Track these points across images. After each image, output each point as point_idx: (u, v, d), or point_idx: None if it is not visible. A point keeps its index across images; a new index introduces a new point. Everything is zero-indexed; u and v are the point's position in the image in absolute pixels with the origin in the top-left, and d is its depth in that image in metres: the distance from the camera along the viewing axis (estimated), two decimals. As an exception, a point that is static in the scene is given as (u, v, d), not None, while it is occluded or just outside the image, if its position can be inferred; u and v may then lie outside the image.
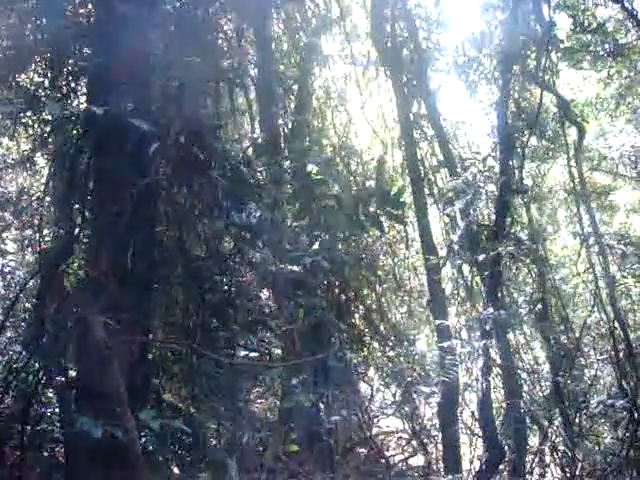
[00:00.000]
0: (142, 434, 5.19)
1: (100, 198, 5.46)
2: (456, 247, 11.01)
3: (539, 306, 13.02)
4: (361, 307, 15.33)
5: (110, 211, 5.15)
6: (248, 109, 14.55)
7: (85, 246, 5.69)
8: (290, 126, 15.16)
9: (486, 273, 10.18)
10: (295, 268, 12.34)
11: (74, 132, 5.86)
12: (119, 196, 5.09)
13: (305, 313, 12.92)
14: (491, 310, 9.62)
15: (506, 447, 12.31)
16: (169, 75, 5.45)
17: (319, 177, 7.34)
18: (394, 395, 14.68)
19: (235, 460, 5.89)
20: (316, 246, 12.27)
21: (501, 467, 12.13)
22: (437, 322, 12.09)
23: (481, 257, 9.65)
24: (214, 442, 6.60)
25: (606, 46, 13.17)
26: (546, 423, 12.34)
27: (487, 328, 9.62)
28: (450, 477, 9.86)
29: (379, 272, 15.34)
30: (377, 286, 15.08)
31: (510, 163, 10.09)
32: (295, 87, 15.49)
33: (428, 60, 13.88)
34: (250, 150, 6.58)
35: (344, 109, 16.11)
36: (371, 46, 15.03)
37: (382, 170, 14.43)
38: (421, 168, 13.74)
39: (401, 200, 7.62)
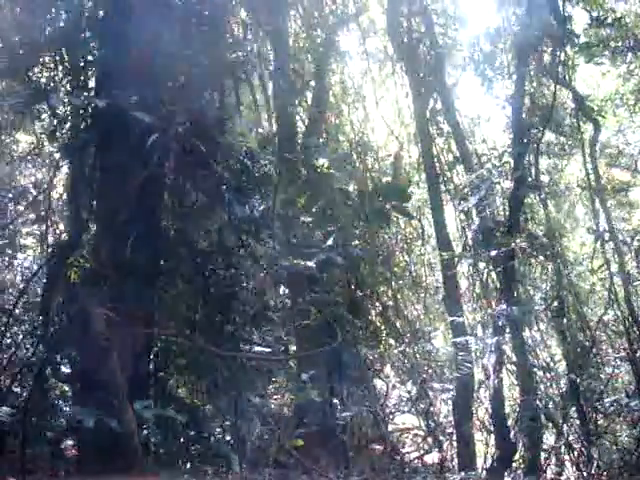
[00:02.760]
0: (145, 427, 5.21)
1: (105, 191, 5.47)
2: (471, 243, 10.91)
3: (555, 303, 12.90)
4: (377, 304, 15.29)
5: (114, 204, 5.16)
6: (254, 104, 14.55)
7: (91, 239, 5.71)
8: (307, 122, 15.16)
9: (500, 269, 10.08)
10: (309, 264, 12.39)
11: (82, 125, 5.88)
12: (122, 189, 5.10)
13: (319, 309, 12.94)
14: (504, 306, 9.52)
15: (520, 444, 12.24)
16: (174, 68, 5.44)
17: (328, 171, 7.32)
18: (409, 392, 14.63)
19: (241, 454, 5.88)
20: (330, 242, 12.31)
21: (515, 465, 12.05)
22: (451, 319, 12.05)
23: (494, 253, 9.56)
24: (219, 436, 6.59)
25: (625, 41, 13.00)
26: (561, 421, 12.21)
27: (500, 324, 9.52)
28: (462, 474, 9.77)
29: (395, 269, 15.29)
30: (393, 282, 15.01)
31: (525, 158, 9.98)
32: (312, 83, 15.49)
33: (444, 56, 13.79)
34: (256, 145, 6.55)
35: (361, 105, 16.06)
36: (387, 42, 14.96)
37: (398, 166, 14.34)
38: (437, 164, 13.69)
39: (407, 193, 7.62)
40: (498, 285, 12.30)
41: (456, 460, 12.94)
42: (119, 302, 5.10)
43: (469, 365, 11.25)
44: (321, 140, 14.60)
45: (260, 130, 8.59)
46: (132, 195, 4.85)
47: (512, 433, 12.47)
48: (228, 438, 6.62)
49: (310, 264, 12.64)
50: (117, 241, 5.12)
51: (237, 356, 6.10)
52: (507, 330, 10.59)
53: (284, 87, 14.30)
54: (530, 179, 9.97)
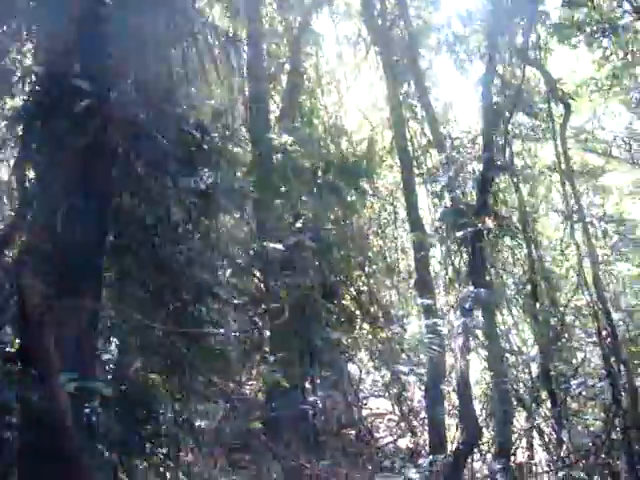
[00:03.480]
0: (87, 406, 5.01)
1: (46, 163, 5.24)
2: (437, 224, 10.75)
3: (528, 287, 12.79)
4: (351, 288, 15.12)
5: (53, 176, 4.93)
6: (201, 73, 14.22)
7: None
8: (281, 105, 14.96)
9: (469, 251, 9.90)
10: (278, 246, 12.20)
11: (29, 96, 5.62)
12: (62, 160, 4.87)
13: (290, 292, 12.75)
14: (472, 288, 9.35)
15: (490, 427, 12.13)
16: (121, 36, 5.19)
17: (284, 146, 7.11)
18: (382, 377, 14.49)
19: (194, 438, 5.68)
20: (299, 224, 12.13)
21: (485, 448, 11.94)
22: (422, 302, 11.89)
23: (459, 234, 9.38)
24: (170, 417, 6.38)
25: (600, 25, 12.84)
26: (532, 404, 12.11)
27: (467, 306, 9.35)
28: (430, 458, 9.61)
29: (369, 254, 15.13)
30: (366, 267, 14.84)
31: (494, 139, 9.81)
32: (287, 66, 15.29)
33: (418, 39, 13.59)
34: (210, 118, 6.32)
35: (335, 89, 15.85)
36: (362, 25, 14.74)
37: (372, 150, 14.16)
38: (410, 148, 13.51)
39: (362, 169, 7.45)
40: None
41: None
42: (60, 277, 4.88)
43: (439, 349, 11.11)
44: (295, 123, 14.41)
45: (213, 103, 8.31)
46: (69, 166, 4.62)
47: (482, 416, 12.39)
48: (181, 420, 6.40)
49: (279, 246, 12.51)
50: (54, 215, 4.88)
51: (182, 331, 5.86)
52: (477, 313, 10.44)
53: (258, 70, 14.09)
54: (500, 161, 9.78)
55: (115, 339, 5.95)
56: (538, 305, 12.58)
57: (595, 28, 12.87)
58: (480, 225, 9.13)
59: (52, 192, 4.95)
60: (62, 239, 4.92)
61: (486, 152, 9.56)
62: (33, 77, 5.29)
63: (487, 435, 12.03)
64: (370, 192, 14.64)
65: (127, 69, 5.09)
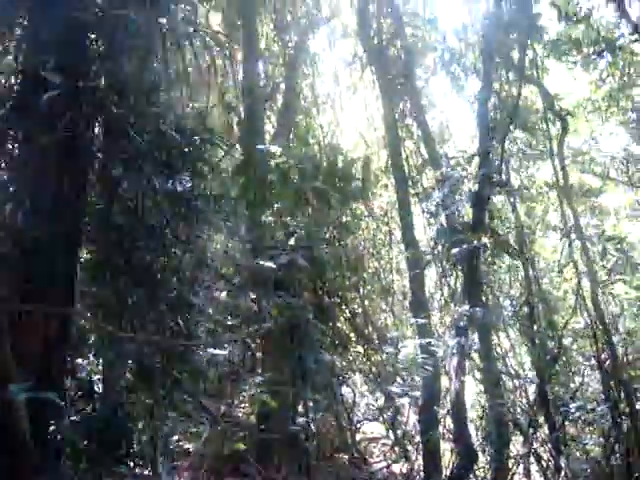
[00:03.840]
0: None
1: (17, 161, 4.92)
2: (432, 243, 10.43)
3: (525, 309, 12.44)
4: (346, 310, 14.77)
5: (22, 173, 4.61)
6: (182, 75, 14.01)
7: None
8: (276, 124, 14.72)
9: (464, 269, 9.58)
10: (269, 264, 11.84)
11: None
12: (30, 157, 4.56)
13: (282, 313, 12.39)
14: (466, 307, 9.00)
15: (486, 452, 11.70)
16: (100, 30, 4.90)
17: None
18: (376, 400, 14.07)
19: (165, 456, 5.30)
20: (292, 242, 11.78)
21: (481, 473, 11.52)
22: (417, 323, 11.53)
23: (454, 250, 9.05)
24: (143, 437, 5.98)
25: (596, 46, 12.63)
26: (530, 429, 11.69)
27: (462, 326, 9.00)
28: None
29: (364, 274, 14.78)
30: (361, 288, 14.48)
31: (490, 155, 9.52)
32: (282, 86, 15.07)
33: (414, 57, 13.36)
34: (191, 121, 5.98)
35: (330, 108, 15.62)
36: (358, 44, 14.53)
37: (367, 169, 13.86)
38: (406, 167, 13.22)
39: (351, 174, 7.11)
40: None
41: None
42: (26, 281, 4.55)
43: (433, 370, 10.76)
44: (290, 142, 14.17)
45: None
46: (36, 163, 4.31)
47: (478, 441, 11.98)
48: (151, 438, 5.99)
49: (270, 264, 12.16)
50: (21, 215, 4.56)
51: (157, 341, 5.48)
52: (472, 333, 10.09)
53: (253, 89, 13.86)
54: (496, 178, 9.48)
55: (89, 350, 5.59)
56: (535, 327, 12.24)
57: (593, 49, 12.67)
58: (475, 242, 8.81)
59: (18, 192, 4.63)
60: (28, 241, 4.58)
61: (482, 169, 9.27)
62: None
63: (483, 460, 11.59)
64: (366, 213, 14.36)
65: (102, 65, 4.77)
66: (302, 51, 15.04)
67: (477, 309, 8.88)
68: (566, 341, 12.53)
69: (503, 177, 9.59)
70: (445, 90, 13.97)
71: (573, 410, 10.39)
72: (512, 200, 11.86)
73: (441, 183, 9.85)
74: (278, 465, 12.49)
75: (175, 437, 13.10)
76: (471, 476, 10.06)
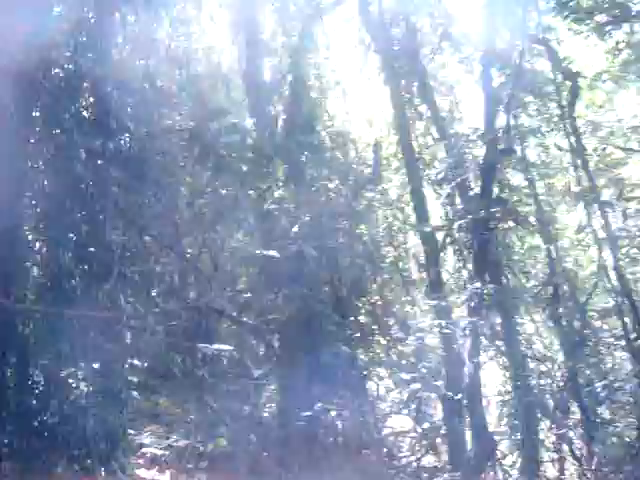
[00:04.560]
0: None
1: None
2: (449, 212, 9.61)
3: (549, 289, 11.61)
4: (365, 301, 14.05)
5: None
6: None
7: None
8: (284, 115, 14.09)
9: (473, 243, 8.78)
10: (272, 253, 11.19)
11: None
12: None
13: (296, 305, 11.71)
14: (478, 285, 8.22)
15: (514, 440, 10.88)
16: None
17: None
18: (400, 392, 13.27)
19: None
20: (295, 229, 11.12)
21: (512, 460, 10.72)
22: (435, 308, 10.74)
23: (459, 223, 8.29)
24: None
25: (611, 12, 11.74)
26: (560, 414, 10.84)
27: (473, 305, 8.24)
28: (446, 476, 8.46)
29: (382, 263, 14.04)
30: (379, 277, 13.77)
31: (496, 120, 8.74)
32: (289, 76, 14.43)
33: (418, 35, 12.62)
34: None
35: (338, 95, 14.98)
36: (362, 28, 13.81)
37: (378, 154, 13.18)
38: (416, 149, 12.49)
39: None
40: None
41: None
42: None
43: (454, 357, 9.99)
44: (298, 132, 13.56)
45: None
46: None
47: (505, 428, 11.18)
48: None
49: (274, 254, 11.49)
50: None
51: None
52: (489, 313, 9.30)
53: (257, 80, 13.30)
54: (504, 145, 8.68)
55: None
56: (561, 307, 11.42)
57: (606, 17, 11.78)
58: (482, 213, 8.04)
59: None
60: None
61: (489, 136, 8.50)
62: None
63: (510, 448, 10.78)
64: (378, 200, 13.64)
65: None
66: (307, 39, 14.39)
67: (490, 286, 8.09)
68: (594, 321, 11.69)
69: (507, 141, 8.75)
70: (453, 66, 13.11)
71: (602, 391, 9.46)
72: (527, 174, 11.04)
73: (447, 154, 9.09)
74: (298, 463, 11.83)
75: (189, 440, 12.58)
76: (490, 465, 9.22)
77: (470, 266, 11.41)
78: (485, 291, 8.38)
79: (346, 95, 15.01)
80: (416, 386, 12.33)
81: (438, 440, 12.88)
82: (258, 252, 10.41)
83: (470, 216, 8.13)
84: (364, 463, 12.52)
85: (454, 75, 13.17)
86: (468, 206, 8.39)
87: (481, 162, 8.43)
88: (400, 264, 14.07)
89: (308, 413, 11.33)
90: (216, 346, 9.73)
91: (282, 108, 14.24)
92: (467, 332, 8.21)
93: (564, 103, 9.79)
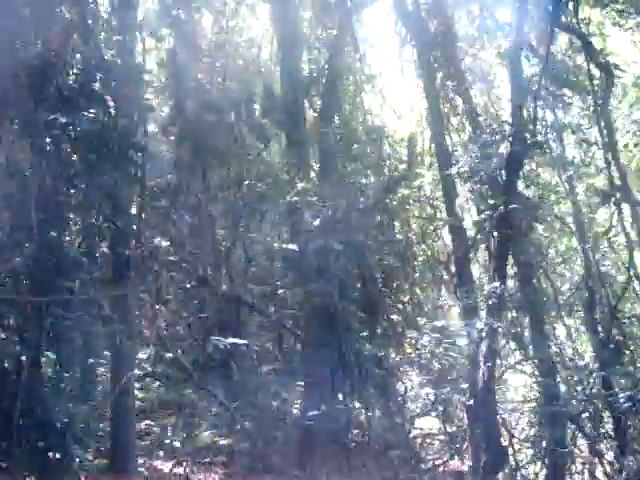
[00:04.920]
0: None
1: None
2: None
3: (584, 293, 10.99)
4: (397, 299, 13.59)
5: None
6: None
7: None
8: (319, 109, 13.74)
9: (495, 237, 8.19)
10: (291, 247, 10.84)
11: None
12: None
13: (318, 301, 11.32)
14: (497, 284, 7.69)
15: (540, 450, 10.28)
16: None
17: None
18: (427, 394, 12.77)
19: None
20: (317, 222, 10.71)
21: (532, 472, 10.14)
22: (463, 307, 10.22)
23: (481, 217, 7.76)
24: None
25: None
26: (590, 426, 10.21)
27: (491, 304, 7.72)
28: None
29: (414, 262, 13.56)
30: (410, 276, 13.30)
31: (524, 112, 8.17)
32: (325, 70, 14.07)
33: (455, 29, 12.10)
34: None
35: (373, 89, 14.56)
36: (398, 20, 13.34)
37: (413, 149, 12.70)
38: (450, 145, 11.99)
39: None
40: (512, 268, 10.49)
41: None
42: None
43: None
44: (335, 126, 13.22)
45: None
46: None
47: (532, 437, 10.58)
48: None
49: (294, 247, 11.13)
50: None
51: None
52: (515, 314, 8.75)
53: (293, 73, 12.95)
54: (531, 138, 8.11)
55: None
56: (596, 313, 10.79)
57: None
58: (503, 209, 7.52)
59: None
60: None
61: (514, 127, 7.96)
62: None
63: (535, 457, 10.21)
64: (412, 196, 13.16)
65: None
66: (346, 34, 13.99)
67: (510, 286, 7.57)
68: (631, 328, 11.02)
69: (534, 135, 8.18)
70: (490, 59, 12.51)
71: (622, 400, 8.82)
72: (563, 172, 10.43)
73: (471, 146, 8.59)
74: (320, 461, 11.48)
75: (208, 433, 12.35)
76: (500, 475, 8.66)
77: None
78: (506, 292, 7.86)
79: (382, 89, 14.58)
80: (443, 389, 11.89)
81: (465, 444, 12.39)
82: (276, 245, 10.05)
83: (488, 212, 7.63)
84: (390, 463, 12.11)
85: (491, 69, 12.55)
86: (491, 202, 7.88)
87: (506, 155, 7.89)
88: (432, 262, 13.56)
89: (331, 410, 11.02)
90: (231, 340, 9.45)
91: (318, 101, 13.93)
92: (484, 334, 7.70)
93: (597, 93, 9.09)
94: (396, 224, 13.62)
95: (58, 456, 4.59)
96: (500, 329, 8.89)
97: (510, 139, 7.99)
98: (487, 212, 7.82)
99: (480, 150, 8.17)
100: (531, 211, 8.49)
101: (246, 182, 11.48)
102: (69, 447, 4.82)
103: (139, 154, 5.41)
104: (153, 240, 15.53)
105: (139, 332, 9.73)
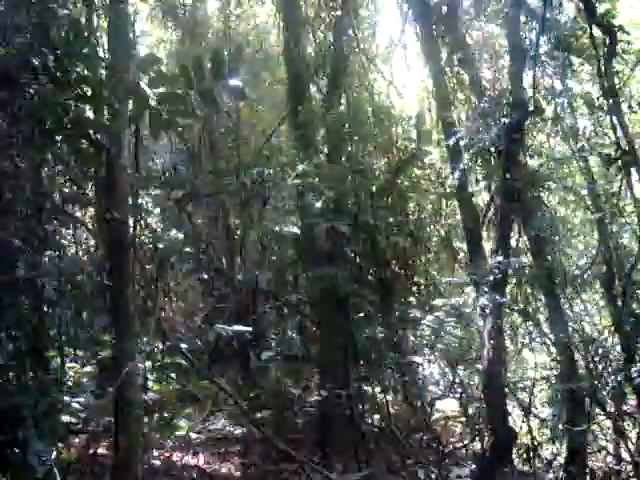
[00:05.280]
0: None
1: None
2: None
3: (602, 267, 10.48)
4: (412, 281, 13.22)
5: None
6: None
7: None
8: (325, 90, 13.44)
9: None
10: (293, 230, 10.53)
11: None
12: None
13: (313, 283, 11.06)
14: (500, 258, 7.29)
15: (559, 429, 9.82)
16: None
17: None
18: (444, 375, 12.38)
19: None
20: (319, 204, 10.38)
21: (550, 453, 9.71)
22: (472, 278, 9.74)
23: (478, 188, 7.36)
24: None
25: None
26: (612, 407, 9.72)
27: (493, 279, 7.31)
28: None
29: (428, 243, 13.15)
30: (424, 257, 12.92)
31: (523, 79, 7.73)
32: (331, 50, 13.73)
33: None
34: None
35: (376, 68, 14.18)
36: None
37: (421, 128, 12.29)
38: (456, 121, 11.55)
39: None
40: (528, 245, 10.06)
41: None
42: None
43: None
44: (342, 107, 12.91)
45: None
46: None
47: (550, 416, 10.15)
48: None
49: (295, 230, 10.83)
50: None
51: None
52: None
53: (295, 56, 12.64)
54: (530, 103, 7.67)
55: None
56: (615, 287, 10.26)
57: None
58: (505, 178, 7.11)
59: None
60: None
61: (513, 93, 7.53)
62: None
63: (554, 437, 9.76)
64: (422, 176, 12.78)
65: None
66: (348, 14, 13.63)
67: (513, 259, 7.16)
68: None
69: (533, 100, 7.73)
70: (496, 31, 12.01)
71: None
72: (574, 142, 9.94)
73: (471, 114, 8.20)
74: (340, 447, 11.21)
75: (221, 422, 12.13)
76: (507, 462, 8.22)
77: (515, 240, 10.47)
78: (510, 266, 7.45)
79: (388, 68, 14.19)
80: (460, 370, 11.51)
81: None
82: (277, 229, 9.76)
83: (485, 182, 7.24)
84: (410, 448, 11.79)
85: (497, 39, 12.06)
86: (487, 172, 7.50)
87: (504, 123, 7.47)
88: (445, 242, 13.14)
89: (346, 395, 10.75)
90: (236, 327, 9.19)
91: (323, 83, 13.62)
92: (487, 311, 7.31)
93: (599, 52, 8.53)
94: (410, 205, 13.27)
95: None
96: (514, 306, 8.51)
97: (508, 106, 7.55)
98: (484, 182, 7.41)
99: (480, 119, 7.76)
100: (534, 181, 8.05)
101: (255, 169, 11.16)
102: (29, 442, 4.56)
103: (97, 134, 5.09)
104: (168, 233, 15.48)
105: (142, 323, 9.54)
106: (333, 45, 13.45)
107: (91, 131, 5.03)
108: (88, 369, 11.32)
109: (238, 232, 14.64)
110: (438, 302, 12.57)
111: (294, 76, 12.60)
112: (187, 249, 14.80)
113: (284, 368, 12.61)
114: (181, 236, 14.82)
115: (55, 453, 5.13)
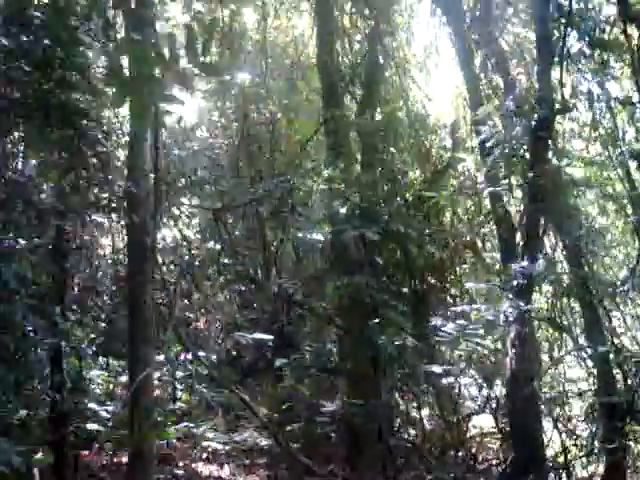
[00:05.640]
0: None
1: None
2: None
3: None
4: (447, 293, 12.74)
5: None
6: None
7: None
8: (359, 98, 13.18)
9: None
10: (319, 237, 10.20)
11: None
12: None
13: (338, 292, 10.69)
14: (525, 263, 6.86)
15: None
16: None
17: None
18: (479, 389, 11.85)
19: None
20: (343, 210, 10.05)
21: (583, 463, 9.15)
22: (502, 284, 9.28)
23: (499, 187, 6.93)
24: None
25: None
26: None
27: (517, 285, 6.88)
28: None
29: (463, 255, 12.65)
30: (458, 268, 12.45)
31: (549, 75, 7.32)
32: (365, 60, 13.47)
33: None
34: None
35: (411, 77, 13.86)
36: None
37: (456, 136, 11.92)
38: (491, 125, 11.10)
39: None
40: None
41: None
42: None
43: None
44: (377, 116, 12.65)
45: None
46: None
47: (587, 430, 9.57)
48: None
49: (320, 237, 10.50)
50: None
51: None
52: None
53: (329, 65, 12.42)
54: (560, 102, 7.25)
55: None
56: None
57: None
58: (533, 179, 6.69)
59: None
60: None
61: (540, 92, 7.12)
62: None
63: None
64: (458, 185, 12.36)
65: None
66: (384, 22, 13.37)
67: (539, 263, 6.71)
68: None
69: (563, 98, 7.30)
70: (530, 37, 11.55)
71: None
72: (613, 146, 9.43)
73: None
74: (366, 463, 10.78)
75: (247, 434, 11.82)
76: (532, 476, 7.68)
77: (550, 248, 10.00)
78: (538, 272, 7.00)
79: (423, 75, 13.87)
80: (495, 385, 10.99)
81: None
82: (307, 237, 9.46)
83: (503, 181, 6.82)
84: (445, 464, 11.31)
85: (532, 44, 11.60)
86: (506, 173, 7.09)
87: (531, 123, 7.06)
88: (480, 252, 12.64)
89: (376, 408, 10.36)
90: (257, 335, 8.90)
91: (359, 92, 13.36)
92: (511, 319, 6.88)
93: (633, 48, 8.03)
94: (447, 214, 12.85)
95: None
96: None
97: (536, 105, 7.15)
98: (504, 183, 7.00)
99: (505, 119, 7.38)
100: (565, 184, 7.58)
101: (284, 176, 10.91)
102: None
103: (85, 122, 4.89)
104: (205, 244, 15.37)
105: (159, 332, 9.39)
106: (368, 54, 13.17)
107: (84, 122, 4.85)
108: (123, 379, 11.23)
109: (274, 243, 14.44)
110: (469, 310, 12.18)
111: (329, 86, 12.38)
112: (225, 260, 14.72)
113: (316, 380, 12.26)
114: (218, 247, 14.75)
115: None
